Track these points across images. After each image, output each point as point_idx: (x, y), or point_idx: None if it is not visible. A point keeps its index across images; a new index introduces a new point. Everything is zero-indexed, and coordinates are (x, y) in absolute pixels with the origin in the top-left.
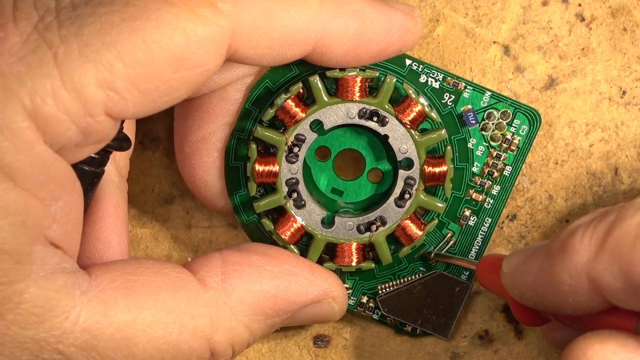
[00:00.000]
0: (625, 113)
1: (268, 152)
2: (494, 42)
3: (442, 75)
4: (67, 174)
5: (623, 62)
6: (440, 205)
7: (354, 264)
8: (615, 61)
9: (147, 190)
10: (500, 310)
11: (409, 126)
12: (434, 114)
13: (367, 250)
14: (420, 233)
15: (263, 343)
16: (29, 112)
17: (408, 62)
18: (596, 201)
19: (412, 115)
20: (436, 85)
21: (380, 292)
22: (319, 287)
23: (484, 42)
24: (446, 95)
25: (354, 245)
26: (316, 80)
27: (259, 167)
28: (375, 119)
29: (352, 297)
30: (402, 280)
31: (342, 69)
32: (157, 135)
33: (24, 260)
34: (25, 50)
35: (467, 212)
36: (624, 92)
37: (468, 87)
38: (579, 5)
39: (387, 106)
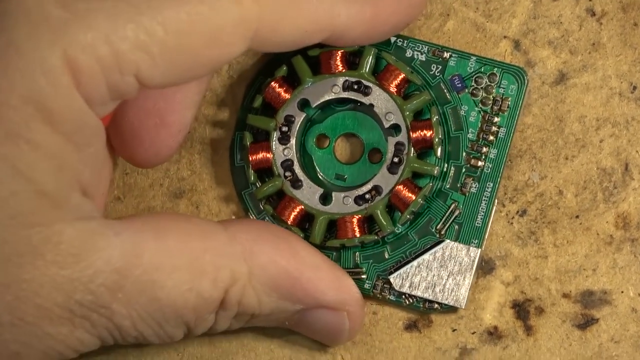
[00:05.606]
0: (636, 108)
1: (263, 139)
2: (505, 37)
3: (427, 47)
4: (97, 123)
5: (634, 57)
6: (431, 168)
7: (357, 235)
8: (625, 56)
9: (156, 185)
10: (509, 307)
11: (394, 93)
12: (415, 78)
13: (369, 224)
14: (413, 197)
15: (272, 339)
16: (69, 60)
17: (393, 38)
18: (606, 197)
19: (395, 82)
20: (422, 58)
21: (391, 270)
22: (340, 295)
23: (495, 36)
24: (433, 67)
25: (355, 219)
26: (299, 59)
27: (253, 154)
28: (356, 87)
29: (367, 281)
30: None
31: (322, 46)
32: None
33: (62, 203)
34: None
35: (469, 180)
36: (634, 88)
37: (453, 55)
38: (590, 0)
39: (367, 75)
